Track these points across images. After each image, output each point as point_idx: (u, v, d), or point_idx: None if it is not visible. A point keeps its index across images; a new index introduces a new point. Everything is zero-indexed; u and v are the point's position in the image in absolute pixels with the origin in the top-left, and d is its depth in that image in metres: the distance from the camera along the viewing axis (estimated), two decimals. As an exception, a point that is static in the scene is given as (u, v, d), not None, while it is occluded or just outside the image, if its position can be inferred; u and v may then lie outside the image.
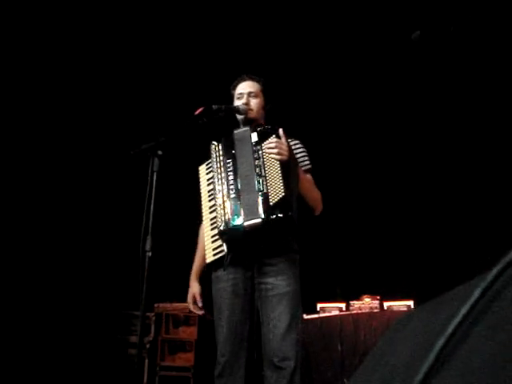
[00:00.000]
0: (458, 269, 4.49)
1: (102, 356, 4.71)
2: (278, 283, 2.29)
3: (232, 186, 2.30)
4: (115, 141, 4.82)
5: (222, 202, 2.30)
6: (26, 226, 4.68)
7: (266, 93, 2.60)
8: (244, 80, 2.60)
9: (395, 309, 4.57)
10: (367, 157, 5.69)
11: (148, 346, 4.90)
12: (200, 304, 2.49)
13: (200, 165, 2.55)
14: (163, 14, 4.96)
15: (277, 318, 2.25)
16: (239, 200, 2.26)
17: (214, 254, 2.33)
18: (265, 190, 2.22)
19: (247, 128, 2.41)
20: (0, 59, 4.49)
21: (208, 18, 5.02)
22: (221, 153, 2.41)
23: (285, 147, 2.30)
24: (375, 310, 4.58)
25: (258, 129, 2.39)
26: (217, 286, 2.39)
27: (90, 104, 5.10)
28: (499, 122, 4.79)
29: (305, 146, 2.63)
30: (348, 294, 4.85)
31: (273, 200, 2.20)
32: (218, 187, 2.35)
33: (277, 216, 2.17)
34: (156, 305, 5.10)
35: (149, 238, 2.12)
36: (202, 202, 2.45)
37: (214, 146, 2.44)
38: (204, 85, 4.88)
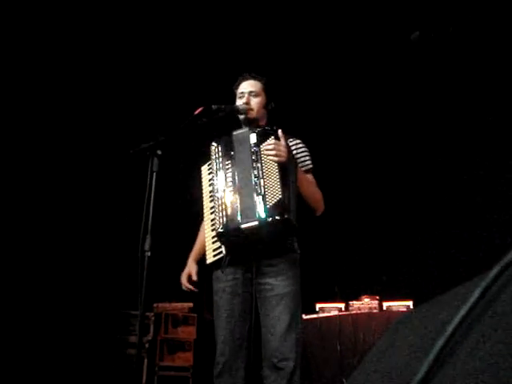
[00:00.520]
0: (457, 269, 4.50)
1: (101, 356, 4.70)
2: (277, 284, 2.29)
3: (230, 188, 2.30)
4: (114, 140, 4.82)
5: (220, 203, 2.30)
6: (26, 226, 4.67)
7: (268, 92, 2.58)
8: (246, 79, 2.58)
9: (394, 309, 4.58)
10: (367, 157, 5.69)
11: (147, 345, 4.90)
12: (195, 278, 2.49)
13: (200, 164, 2.55)
14: (162, 13, 4.96)
15: (276, 318, 2.26)
16: (237, 202, 2.26)
17: (214, 255, 2.34)
18: (262, 192, 2.22)
19: (246, 129, 2.40)
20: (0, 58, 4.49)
21: (208, 17, 5.02)
22: (220, 154, 2.40)
23: (283, 148, 2.28)
24: (374, 311, 4.58)
25: (257, 130, 2.37)
26: (217, 286, 2.40)
27: (90, 103, 5.10)
28: (498, 121, 4.80)
29: (306, 146, 2.61)
30: (347, 295, 4.85)
31: (270, 202, 2.19)
32: (216, 189, 2.35)
33: (274, 218, 2.18)
34: (155, 305, 5.09)
35: (148, 237, 2.11)
36: (204, 203, 2.46)
37: (213, 148, 2.43)
38: (204, 84, 4.88)
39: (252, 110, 2.50)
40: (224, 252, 2.29)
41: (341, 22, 5.02)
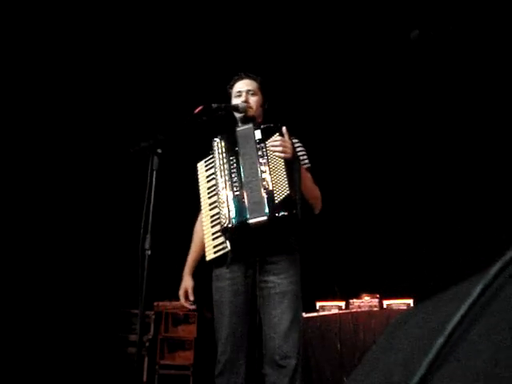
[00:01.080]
0: (457, 267, 4.50)
1: (102, 354, 4.71)
2: (280, 281, 2.29)
3: (236, 183, 2.29)
4: (114, 139, 4.81)
5: (225, 198, 2.28)
6: (26, 226, 4.67)
7: (264, 91, 2.60)
8: (242, 78, 2.60)
9: (395, 307, 4.58)
10: (366, 155, 5.69)
11: (147, 344, 4.91)
12: (191, 298, 2.49)
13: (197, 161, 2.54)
14: (161, 12, 4.96)
15: (279, 316, 2.25)
16: (244, 197, 2.25)
17: (215, 252, 2.32)
18: (270, 188, 2.23)
19: (250, 125, 2.41)
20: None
21: (207, 16, 5.01)
22: (223, 149, 2.39)
23: (289, 145, 2.31)
24: (374, 309, 4.58)
25: (262, 126, 2.39)
26: (217, 284, 2.38)
27: (90, 102, 5.10)
28: (498, 120, 4.79)
29: (303, 145, 2.63)
30: (347, 293, 4.85)
31: (278, 198, 2.21)
32: (221, 184, 2.33)
33: (282, 214, 2.18)
34: (155, 303, 5.10)
35: (148, 236, 2.11)
36: (202, 199, 2.44)
37: (216, 143, 2.43)
38: (204, 83, 4.88)
39: (251, 108, 2.52)
40: (229, 247, 2.27)
41: (340, 19, 5.01)
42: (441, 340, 0.49)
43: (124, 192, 4.91)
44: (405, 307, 4.52)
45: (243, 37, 5.01)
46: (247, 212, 2.22)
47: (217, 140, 2.43)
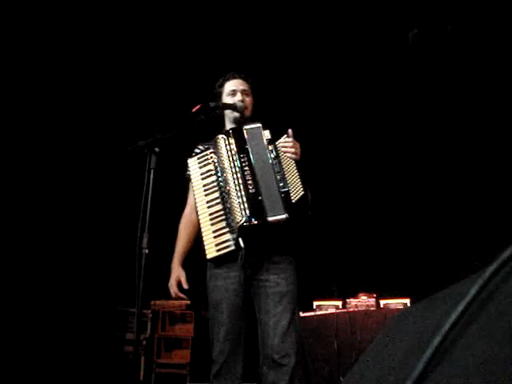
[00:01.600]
0: (454, 266, 4.50)
1: (99, 353, 4.70)
2: (280, 281, 2.28)
3: (250, 182, 2.28)
4: (112, 137, 4.81)
5: (238, 196, 2.25)
6: (23, 224, 4.66)
7: (253, 92, 2.62)
8: (235, 77, 2.59)
9: (391, 307, 4.58)
10: (363, 155, 5.69)
11: (144, 343, 4.90)
12: (186, 286, 2.42)
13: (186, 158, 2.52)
14: (160, 12, 4.95)
15: (278, 315, 2.24)
16: (260, 195, 2.24)
17: (218, 250, 2.27)
18: (286, 188, 2.25)
19: (259, 124, 2.41)
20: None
21: (206, 16, 5.01)
22: (232, 147, 2.37)
23: (299, 147, 2.35)
24: (371, 308, 4.58)
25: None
26: (215, 283, 2.35)
27: (88, 101, 5.09)
28: (497, 120, 4.80)
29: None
30: (344, 292, 4.85)
31: (294, 197, 2.23)
32: (231, 181, 2.30)
33: (299, 214, 2.21)
34: (152, 302, 5.09)
35: (145, 235, 2.11)
36: (196, 197, 2.39)
37: (223, 140, 2.40)
38: (202, 82, 4.87)
39: (248, 108, 2.54)
40: (242, 245, 2.23)
41: (338, 19, 5.01)
42: (437, 339, 0.49)
43: (121, 190, 4.90)
44: (402, 307, 4.53)
45: (243, 37, 5.00)
46: (266, 210, 2.21)
47: (224, 137, 2.40)
